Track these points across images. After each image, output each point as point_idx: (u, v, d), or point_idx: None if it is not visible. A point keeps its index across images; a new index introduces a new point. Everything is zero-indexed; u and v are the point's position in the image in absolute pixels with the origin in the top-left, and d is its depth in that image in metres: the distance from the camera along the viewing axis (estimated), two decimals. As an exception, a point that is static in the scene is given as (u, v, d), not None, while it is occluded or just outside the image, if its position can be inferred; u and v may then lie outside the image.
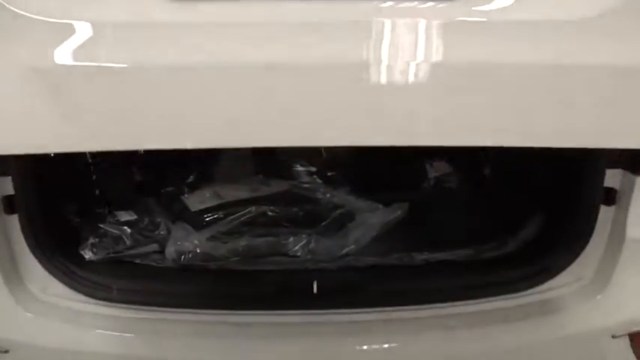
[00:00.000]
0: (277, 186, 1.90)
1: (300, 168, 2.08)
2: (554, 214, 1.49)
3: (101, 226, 1.46)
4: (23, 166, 1.28)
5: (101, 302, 1.29)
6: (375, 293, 1.33)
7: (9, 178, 1.28)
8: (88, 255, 1.38)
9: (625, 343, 1.36)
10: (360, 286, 1.33)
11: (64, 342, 1.27)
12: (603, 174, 1.33)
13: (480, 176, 2.05)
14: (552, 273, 1.36)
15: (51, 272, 1.31)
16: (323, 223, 1.60)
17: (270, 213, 1.67)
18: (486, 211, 1.73)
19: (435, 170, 2.07)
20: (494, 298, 1.33)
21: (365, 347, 1.30)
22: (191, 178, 1.97)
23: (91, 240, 1.40)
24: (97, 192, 1.69)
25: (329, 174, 2.08)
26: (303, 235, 1.49)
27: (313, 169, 2.11)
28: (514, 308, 1.33)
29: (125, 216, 1.53)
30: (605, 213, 1.35)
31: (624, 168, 1.33)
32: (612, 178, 1.34)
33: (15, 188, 1.29)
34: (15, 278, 1.31)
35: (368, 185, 1.88)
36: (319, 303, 1.31)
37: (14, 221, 1.30)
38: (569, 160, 1.45)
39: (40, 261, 1.30)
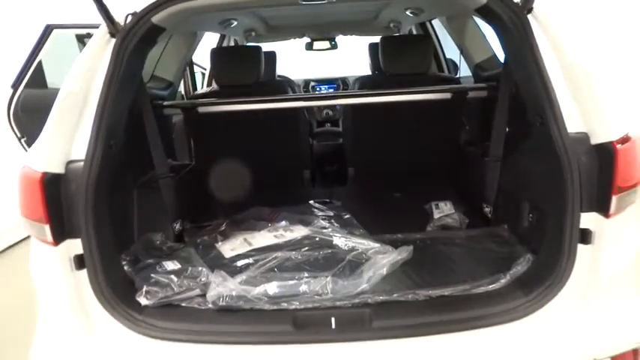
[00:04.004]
0: (299, 231, 2.16)
1: (319, 213, 2.33)
2: (540, 252, 1.70)
3: (152, 275, 1.72)
4: (90, 230, 1.57)
5: (156, 340, 1.54)
6: (384, 327, 1.54)
7: (79, 240, 1.58)
8: (143, 301, 1.64)
9: (607, 365, 1.54)
10: (372, 320, 1.55)
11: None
12: (579, 217, 1.54)
13: (479, 216, 2.26)
14: (540, 305, 1.55)
15: (114, 316, 1.57)
16: (339, 265, 1.82)
17: (293, 258, 1.92)
18: (482, 250, 1.93)
19: (440, 211, 2.30)
20: (487, 329, 1.52)
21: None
22: (223, 227, 2.24)
23: (145, 288, 1.66)
24: (146, 247, 1.96)
25: (345, 217, 2.33)
26: (323, 277, 1.71)
27: (331, 213, 2.36)
28: (506, 336, 1.53)
29: (171, 265, 1.79)
30: (583, 251, 1.56)
31: (597, 211, 1.54)
32: (588, 220, 1.55)
33: (84, 248, 1.57)
34: (85, 322, 1.59)
35: (379, 228, 2.11)
36: (337, 336, 1.53)
37: (84, 276, 1.58)
38: (550, 205, 1.66)
39: (105, 308, 1.57)
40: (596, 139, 1.54)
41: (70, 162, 1.60)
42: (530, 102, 1.74)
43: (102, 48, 1.71)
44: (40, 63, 3.21)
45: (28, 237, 1.67)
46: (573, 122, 1.56)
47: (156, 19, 1.72)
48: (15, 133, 3.14)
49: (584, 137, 1.55)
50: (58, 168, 1.57)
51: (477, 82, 2.80)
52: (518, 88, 1.90)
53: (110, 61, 1.67)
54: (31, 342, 1.66)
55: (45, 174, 1.54)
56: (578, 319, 1.56)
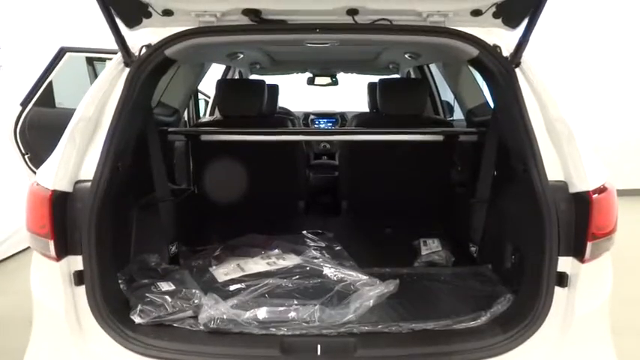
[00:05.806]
0: (291, 260, 2.23)
1: (311, 244, 2.41)
2: (520, 292, 1.78)
3: (147, 295, 1.78)
4: (92, 248, 1.64)
5: (147, 358, 1.59)
6: (368, 357, 1.60)
7: (80, 257, 1.64)
8: (137, 319, 1.69)
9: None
10: (357, 349, 1.61)
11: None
12: (557, 261, 1.63)
13: (465, 255, 2.35)
14: (517, 343, 1.62)
15: (107, 332, 1.63)
16: (328, 295, 1.89)
17: (284, 285, 1.98)
18: (466, 288, 2.01)
19: (428, 247, 2.38)
20: None
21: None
22: (217, 252, 2.31)
23: (140, 307, 1.72)
24: (142, 267, 2.03)
25: (336, 248, 2.41)
26: (311, 305, 1.78)
27: (322, 244, 2.44)
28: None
29: (165, 286, 1.85)
30: (559, 293, 1.64)
31: (573, 256, 1.63)
32: (565, 264, 1.64)
33: (84, 265, 1.64)
34: (79, 337, 1.64)
35: (368, 261, 2.19)
36: None
37: (82, 291, 1.64)
38: (531, 248, 1.75)
39: (100, 323, 1.63)
40: (574, 189, 1.64)
41: (78, 182, 1.68)
42: (514, 149, 1.85)
43: (116, 76, 1.82)
44: (50, 83, 3.32)
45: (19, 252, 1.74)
46: (554, 171, 1.67)
47: (169, 51, 1.83)
48: (20, 149, 3.22)
49: (563, 186, 1.66)
50: (66, 187, 1.65)
51: (469, 126, 2.93)
52: (505, 135, 2.02)
53: (123, 89, 1.77)
54: (25, 352, 1.70)
55: (54, 192, 1.62)
56: (553, 358, 1.63)
